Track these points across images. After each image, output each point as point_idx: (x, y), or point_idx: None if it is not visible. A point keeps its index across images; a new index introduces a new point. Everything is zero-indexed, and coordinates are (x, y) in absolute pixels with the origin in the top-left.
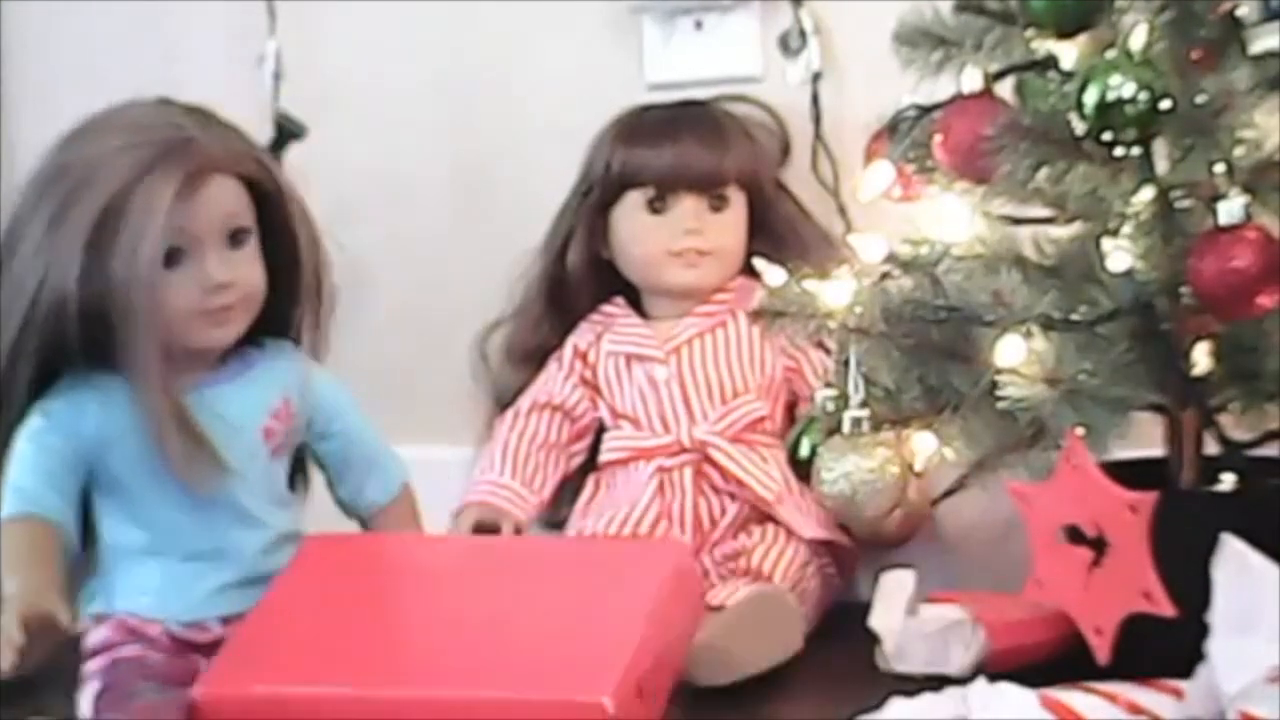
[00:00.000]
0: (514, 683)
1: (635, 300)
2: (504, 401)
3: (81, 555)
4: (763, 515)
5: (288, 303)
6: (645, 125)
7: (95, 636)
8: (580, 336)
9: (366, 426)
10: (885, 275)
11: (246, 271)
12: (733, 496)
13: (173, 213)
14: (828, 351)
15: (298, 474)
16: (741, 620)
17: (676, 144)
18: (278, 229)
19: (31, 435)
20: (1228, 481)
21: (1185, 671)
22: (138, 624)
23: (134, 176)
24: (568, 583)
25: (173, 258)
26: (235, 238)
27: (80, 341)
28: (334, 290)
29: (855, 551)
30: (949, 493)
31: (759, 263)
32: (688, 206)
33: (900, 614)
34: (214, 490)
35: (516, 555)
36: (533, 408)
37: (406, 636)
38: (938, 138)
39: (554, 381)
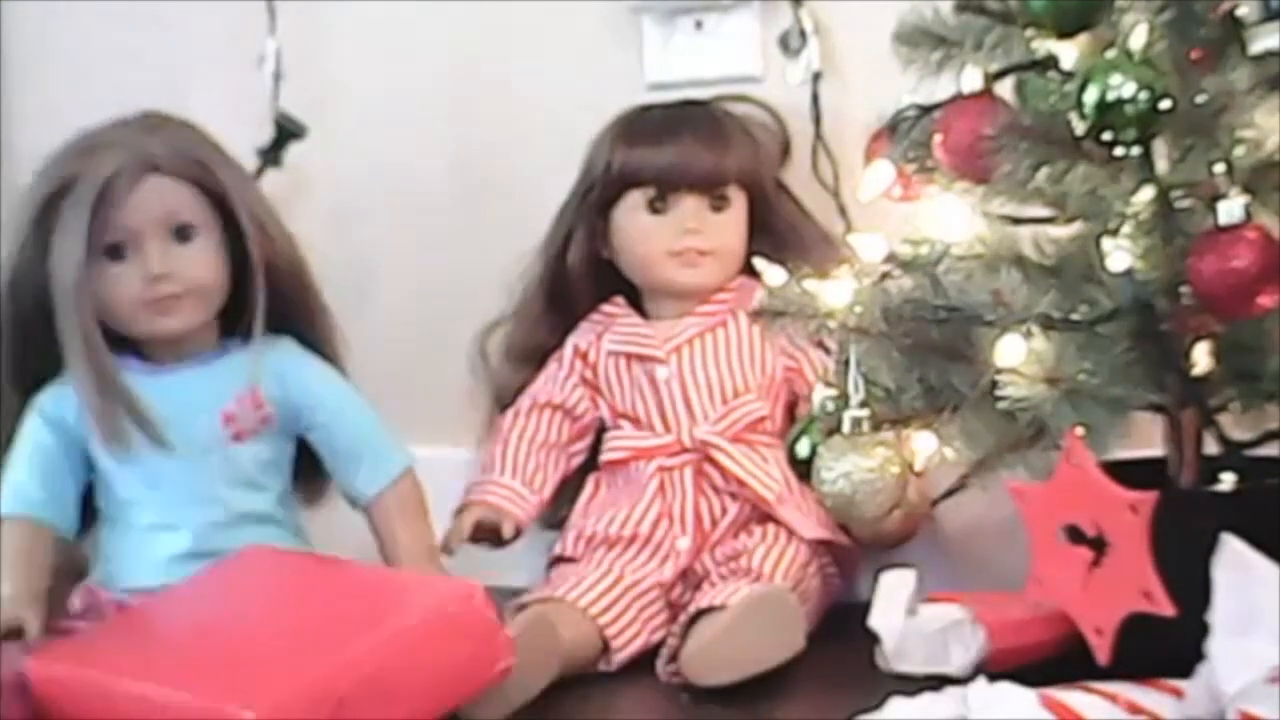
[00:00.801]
0: (198, 686)
1: (635, 300)
2: (504, 401)
3: (80, 537)
4: (764, 515)
5: (285, 293)
6: (646, 125)
7: (74, 601)
8: (580, 336)
9: (359, 419)
10: (885, 275)
11: (188, 265)
12: (733, 496)
13: (101, 208)
14: (828, 351)
15: (313, 464)
16: (742, 620)
17: (677, 143)
18: (246, 222)
19: (25, 430)
20: (1228, 481)
21: (1185, 671)
22: (96, 589)
23: (68, 177)
24: (337, 606)
25: (117, 251)
26: (181, 233)
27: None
28: (307, 284)
29: (856, 551)
30: (949, 493)
31: (759, 263)
32: (688, 206)
33: (900, 614)
34: (129, 457)
35: (312, 573)
36: (533, 407)
37: (183, 639)
38: (938, 137)
39: (554, 381)
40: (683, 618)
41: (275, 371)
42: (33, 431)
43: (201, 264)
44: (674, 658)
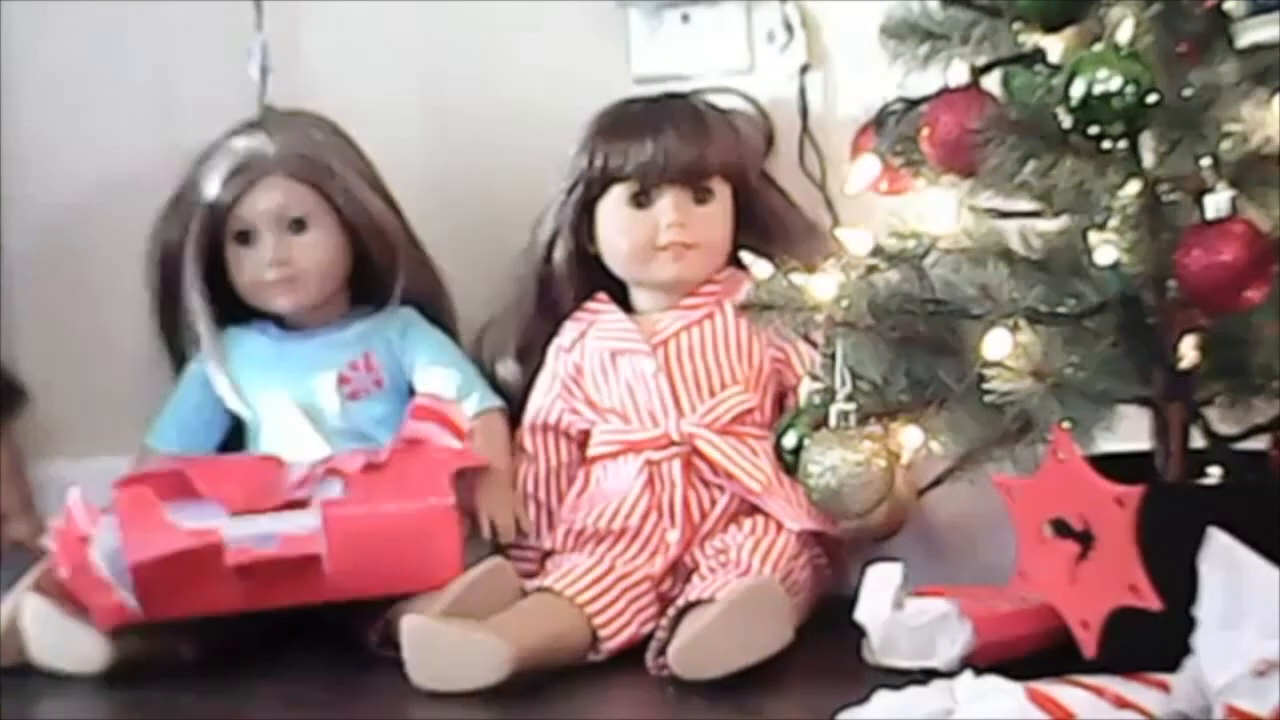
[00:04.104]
0: None
1: (620, 295)
2: (502, 398)
3: None
4: (753, 507)
5: (389, 272)
6: (627, 119)
7: None
8: (564, 336)
9: (448, 369)
10: (872, 268)
11: (299, 253)
12: (722, 489)
13: (221, 201)
14: (814, 345)
15: None
16: (731, 614)
17: (658, 137)
18: (353, 215)
19: (181, 380)
20: (1214, 475)
21: (1172, 665)
22: None
23: (198, 178)
24: None
25: (245, 238)
26: (297, 225)
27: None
28: (423, 260)
29: (845, 543)
30: (935, 483)
31: (745, 256)
32: (671, 199)
33: (887, 607)
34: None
35: None
36: (533, 431)
37: None
38: (925, 131)
39: (547, 396)
40: (671, 611)
41: (388, 338)
42: (186, 380)
43: (314, 252)
44: (663, 651)
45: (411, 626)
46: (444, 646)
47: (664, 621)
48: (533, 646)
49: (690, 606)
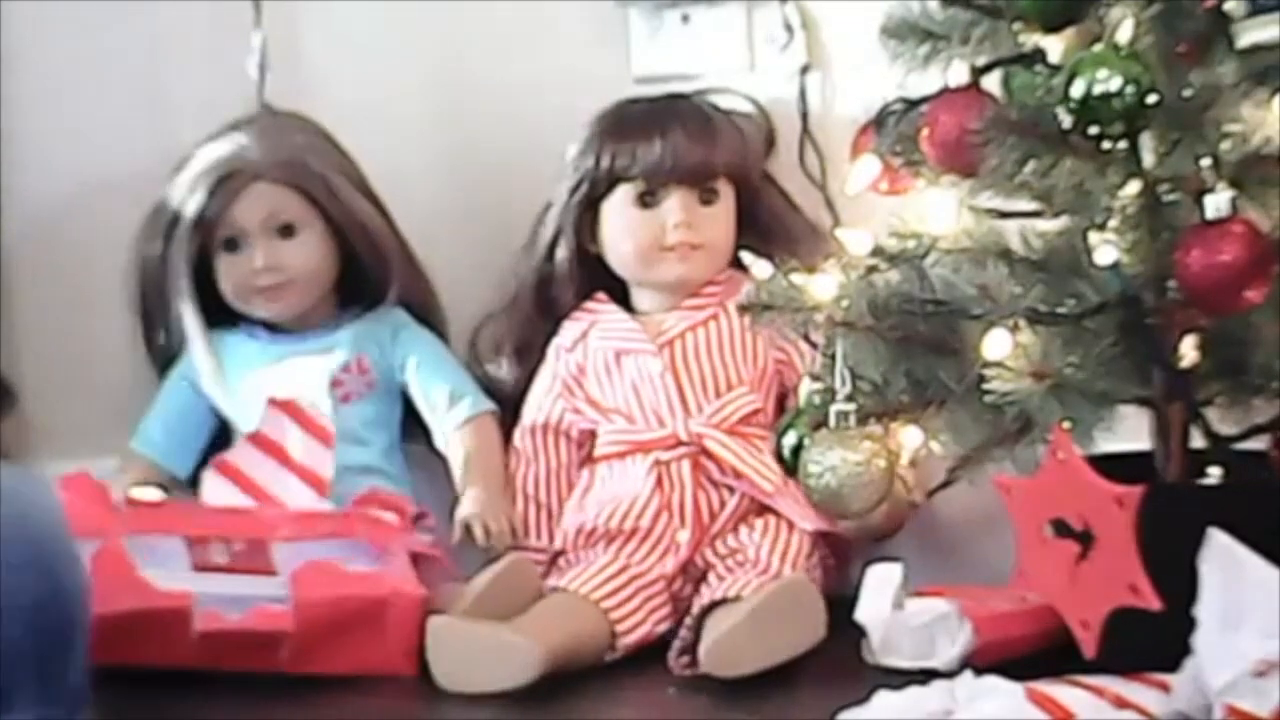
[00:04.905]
0: None
1: (618, 294)
2: (496, 397)
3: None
4: (762, 507)
5: (379, 274)
6: (633, 118)
7: None
8: (565, 336)
9: (440, 370)
10: (872, 268)
11: (290, 259)
12: (731, 489)
13: (210, 210)
14: (814, 345)
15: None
16: (765, 611)
17: (666, 137)
18: (341, 218)
19: (166, 384)
20: (1214, 475)
21: (1172, 665)
22: None
23: (188, 182)
24: None
25: (231, 245)
26: (285, 230)
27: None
28: (410, 260)
29: (849, 543)
30: (944, 484)
31: (746, 256)
32: (678, 200)
33: (887, 607)
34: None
35: None
36: (533, 431)
37: None
38: (925, 131)
39: (547, 396)
40: (695, 610)
41: (380, 340)
42: (170, 385)
43: (303, 257)
44: (685, 650)
45: (437, 626)
46: (473, 647)
47: (688, 621)
48: (559, 647)
49: (714, 606)
